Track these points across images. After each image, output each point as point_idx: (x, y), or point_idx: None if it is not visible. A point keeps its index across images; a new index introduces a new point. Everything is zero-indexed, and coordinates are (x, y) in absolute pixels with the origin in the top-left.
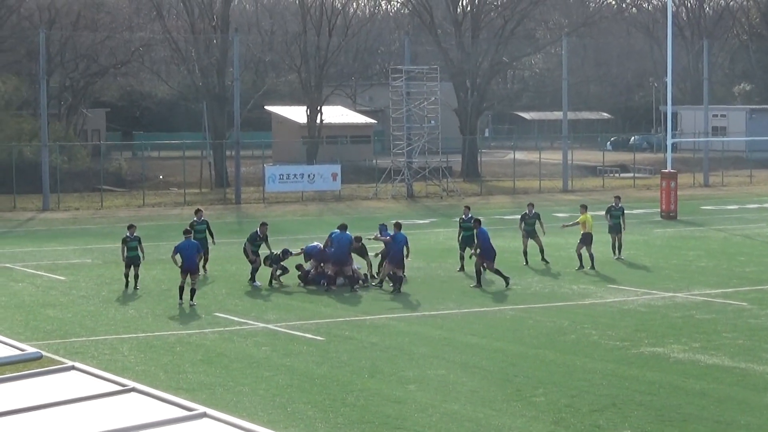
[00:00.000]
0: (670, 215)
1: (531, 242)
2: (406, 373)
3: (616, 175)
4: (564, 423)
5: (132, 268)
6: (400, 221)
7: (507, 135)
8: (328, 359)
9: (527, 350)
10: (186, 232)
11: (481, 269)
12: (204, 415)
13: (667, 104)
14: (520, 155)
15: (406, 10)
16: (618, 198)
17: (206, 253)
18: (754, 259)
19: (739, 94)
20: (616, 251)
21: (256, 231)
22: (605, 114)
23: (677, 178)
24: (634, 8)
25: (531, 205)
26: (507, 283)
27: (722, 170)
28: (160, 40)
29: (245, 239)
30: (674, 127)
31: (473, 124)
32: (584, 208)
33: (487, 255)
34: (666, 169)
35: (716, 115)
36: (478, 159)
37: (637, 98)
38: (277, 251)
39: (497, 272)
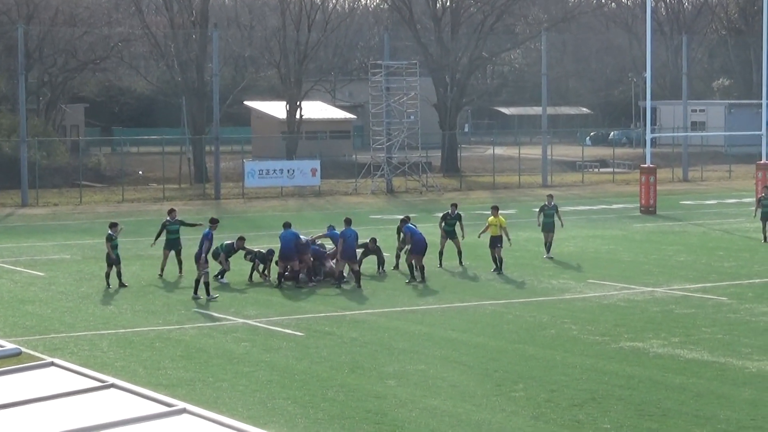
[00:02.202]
0: (649, 210)
1: (450, 243)
2: (386, 368)
3: (596, 170)
4: (544, 418)
5: (114, 266)
6: (349, 217)
7: (487, 130)
8: (308, 355)
9: (507, 345)
10: (212, 221)
11: (413, 263)
12: (184, 410)
13: (646, 99)
14: (499, 150)
15: (386, 5)
16: (551, 197)
17: (179, 253)
18: (733, 254)
19: (718, 89)
20: (546, 250)
21: (233, 243)
22: (585, 109)
23: (656, 173)
24: (613, 3)
25: (454, 206)
26: (417, 280)
27: (701, 165)
28: (139, 35)
29: (218, 246)
30: (653, 122)
31: (453, 120)
32: (495, 209)
33: (415, 250)
34: (645, 164)
35: (695, 110)
36: (458, 154)
37: (617, 93)
38: (262, 250)
39: (421, 269)
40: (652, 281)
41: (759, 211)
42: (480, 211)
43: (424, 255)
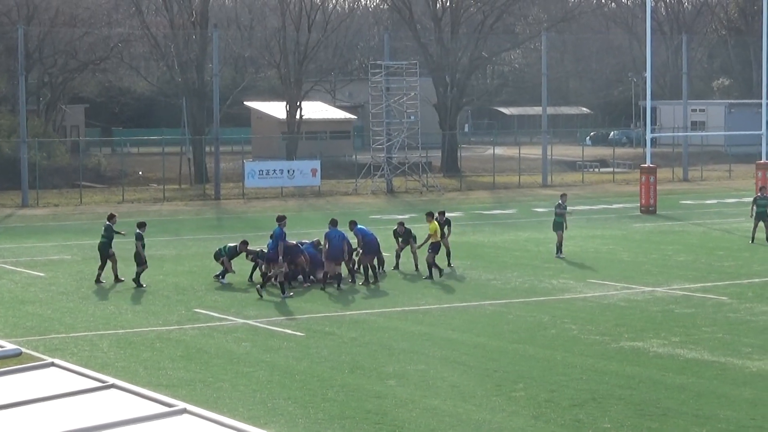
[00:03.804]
0: (649, 210)
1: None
2: (386, 368)
3: (596, 170)
4: (544, 418)
5: (139, 266)
6: (335, 218)
7: (487, 130)
8: (308, 355)
9: (507, 345)
10: (279, 219)
11: (368, 266)
12: (184, 411)
13: (646, 99)
14: (499, 150)
15: (386, 6)
16: (565, 196)
17: (113, 256)
18: (733, 254)
19: (718, 89)
20: (557, 250)
21: (236, 247)
22: (585, 109)
23: (656, 173)
24: (613, 3)
25: (441, 213)
26: (370, 281)
27: (701, 165)
28: (139, 35)
29: (221, 248)
30: (653, 122)
31: (453, 120)
32: (430, 215)
33: (367, 250)
34: (645, 163)
35: (695, 110)
36: (458, 154)
37: (617, 93)
38: (264, 249)
39: (373, 269)
40: (652, 281)
41: (755, 210)
42: (480, 211)
43: (375, 255)
